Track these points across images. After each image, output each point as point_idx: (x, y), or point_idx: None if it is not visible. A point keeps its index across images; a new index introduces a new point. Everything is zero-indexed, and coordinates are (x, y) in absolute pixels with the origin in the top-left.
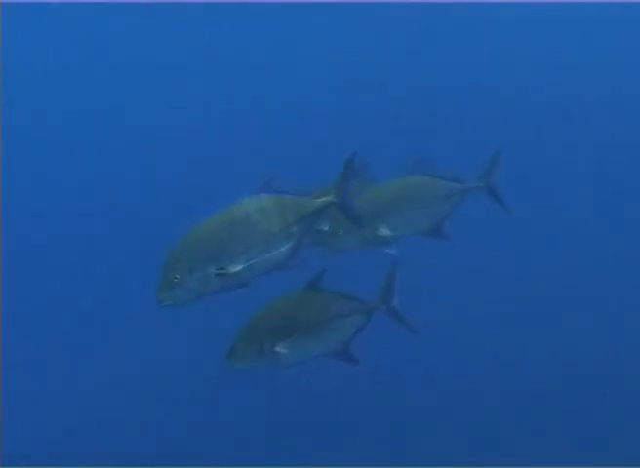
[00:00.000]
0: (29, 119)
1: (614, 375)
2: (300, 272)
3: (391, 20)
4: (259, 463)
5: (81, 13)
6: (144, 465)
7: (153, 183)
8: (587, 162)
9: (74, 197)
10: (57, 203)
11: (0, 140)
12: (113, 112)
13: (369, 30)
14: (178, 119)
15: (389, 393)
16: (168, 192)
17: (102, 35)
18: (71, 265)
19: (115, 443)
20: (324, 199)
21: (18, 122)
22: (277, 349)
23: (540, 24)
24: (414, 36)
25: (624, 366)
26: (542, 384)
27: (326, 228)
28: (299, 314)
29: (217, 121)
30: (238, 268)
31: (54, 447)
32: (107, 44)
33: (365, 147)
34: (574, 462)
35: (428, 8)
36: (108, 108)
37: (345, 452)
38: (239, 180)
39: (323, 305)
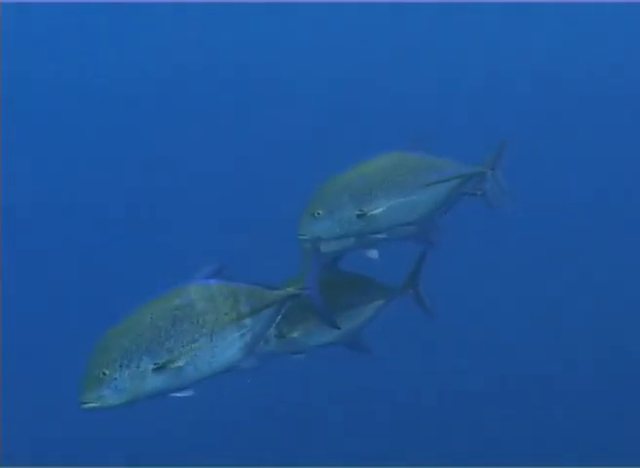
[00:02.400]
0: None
1: (617, 375)
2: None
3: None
4: (259, 463)
5: (81, 12)
6: (145, 465)
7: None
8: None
9: (73, 199)
10: (56, 204)
11: (0, 140)
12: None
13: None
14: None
15: (390, 392)
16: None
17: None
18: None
19: (116, 443)
20: (288, 290)
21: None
22: (292, 335)
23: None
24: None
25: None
26: (549, 384)
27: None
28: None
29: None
30: (180, 363)
31: (54, 447)
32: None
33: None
34: (574, 462)
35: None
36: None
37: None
38: None
39: (342, 289)
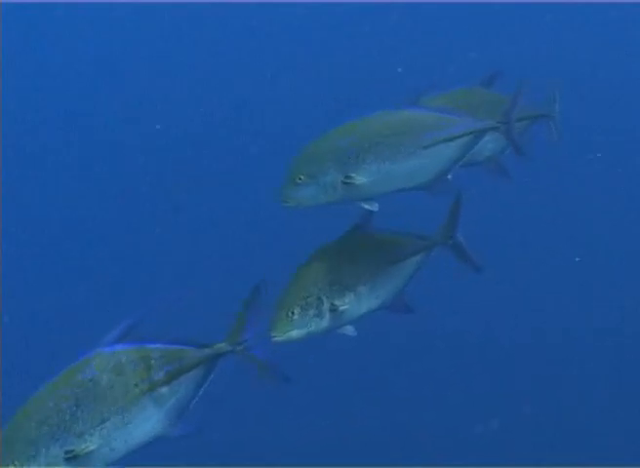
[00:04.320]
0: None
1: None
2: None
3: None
4: (261, 464)
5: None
6: (146, 465)
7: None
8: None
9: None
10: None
11: (0, 140)
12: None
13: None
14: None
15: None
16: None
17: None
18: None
19: None
20: (217, 347)
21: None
22: (339, 306)
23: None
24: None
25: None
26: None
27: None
28: (355, 260)
29: None
30: (92, 447)
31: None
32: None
33: None
34: (575, 462)
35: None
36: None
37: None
38: None
39: (381, 247)
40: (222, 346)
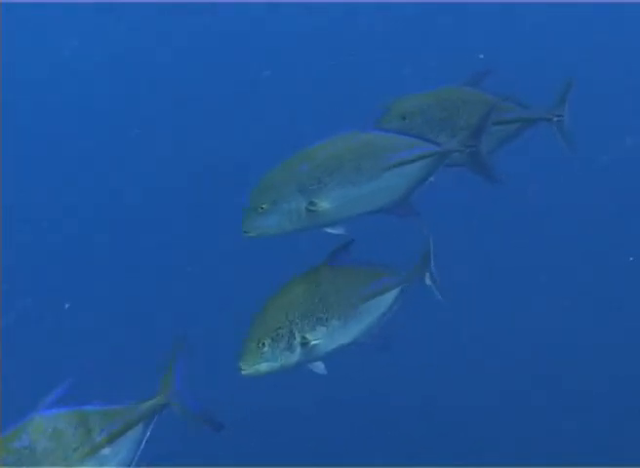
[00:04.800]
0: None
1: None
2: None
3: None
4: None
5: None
6: (147, 465)
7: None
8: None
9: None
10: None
11: (0, 141)
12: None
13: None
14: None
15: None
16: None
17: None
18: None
19: None
20: (151, 402)
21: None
22: (310, 340)
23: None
24: None
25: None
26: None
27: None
28: (330, 293)
29: None
30: None
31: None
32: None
33: None
34: (575, 462)
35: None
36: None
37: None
38: None
39: (356, 280)
40: (159, 399)
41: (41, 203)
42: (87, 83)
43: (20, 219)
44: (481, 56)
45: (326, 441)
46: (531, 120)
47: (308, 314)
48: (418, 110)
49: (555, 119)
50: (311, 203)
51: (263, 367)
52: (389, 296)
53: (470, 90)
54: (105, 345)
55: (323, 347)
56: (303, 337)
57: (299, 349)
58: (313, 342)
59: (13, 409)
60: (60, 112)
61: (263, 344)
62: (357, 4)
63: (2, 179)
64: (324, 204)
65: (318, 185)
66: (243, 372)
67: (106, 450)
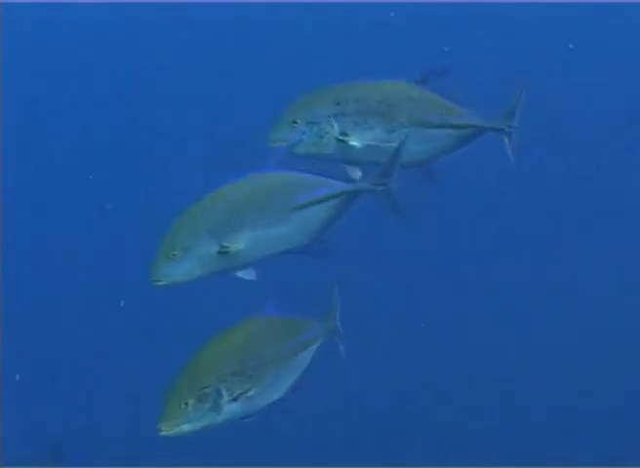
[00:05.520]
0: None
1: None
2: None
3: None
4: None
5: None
6: (147, 465)
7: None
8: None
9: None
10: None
11: (0, 140)
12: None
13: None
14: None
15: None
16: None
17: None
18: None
19: (117, 443)
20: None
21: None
22: (239, 398)
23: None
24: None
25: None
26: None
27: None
28: (260, 346)
29: None
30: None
31: (54, 446)
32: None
33: None
34: (575, 462)
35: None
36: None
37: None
38: None
39: (286, 331)
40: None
41: None
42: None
43: None
44: (446, 48)
45: (320, 442)
46: (482, 128)
47: (238, 371)
48: (353, 98)
49: (507, 129)
50: (223, 246)
51: (185, 428)
52: (315, 346)
53: (419, 87)
54: None
55: (252, 405)
56: (232, 395)
57: (225, 408)
58: (241, 400)
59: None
60: None
61: (187, 404)
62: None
63: None
64: (236, 246)
65: (229, 228)
66: (162, 433)
67: None
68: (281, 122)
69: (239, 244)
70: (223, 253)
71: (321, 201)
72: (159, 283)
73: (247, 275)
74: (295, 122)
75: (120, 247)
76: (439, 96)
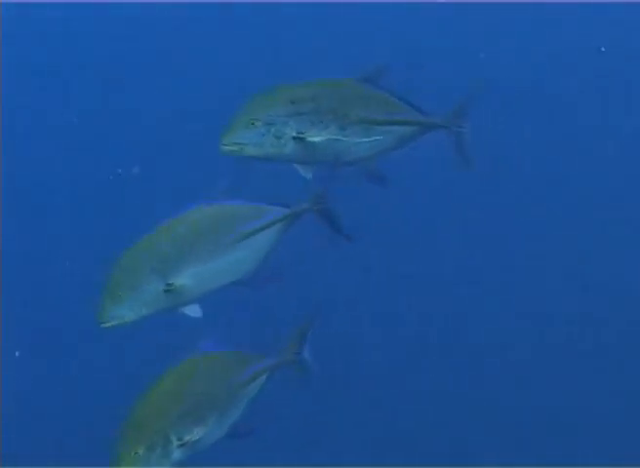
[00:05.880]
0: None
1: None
2: None
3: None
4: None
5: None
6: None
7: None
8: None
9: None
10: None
11: (0, 140)
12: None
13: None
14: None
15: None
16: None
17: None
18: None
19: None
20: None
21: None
22: (188, 441)
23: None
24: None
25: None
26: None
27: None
28: (206, 386)
29: None
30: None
31: (54, 447)
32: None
33: None
34: (574, 462)
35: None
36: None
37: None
38: None
39: (230, 367)
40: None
41: None
42: None
43: None
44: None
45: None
46: (427, 125)
47: (185, 414)
48: (308, 96)
49: (455, 129)
50: (168, 284)
51: None
52: (262, 380)
53: (365, 85)
54: None
55: (199, 445)
56: (180, 440)
57: (175, 452)
58: (190, 443)
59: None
60: None
61: (137, 453)
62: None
63: None
64: (180, 282)
65: (173, 264)
66: None
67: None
68: (236, 123)
69: (184, 280)
70: (169, 290)
71: (263, 228)
72: (106, 324)
73: (192, 312)
74: (252, 123)
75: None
76: (386, 93)
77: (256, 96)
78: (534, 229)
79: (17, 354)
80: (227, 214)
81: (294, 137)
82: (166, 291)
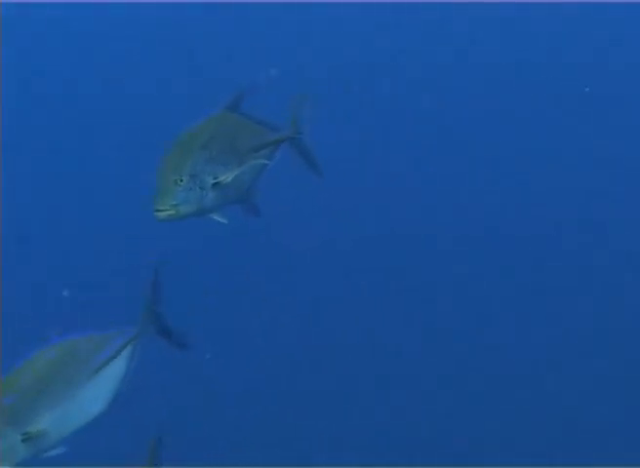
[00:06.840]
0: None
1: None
2: None
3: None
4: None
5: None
6: (142, 465)
7: None
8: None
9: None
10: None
11: (0, 140)
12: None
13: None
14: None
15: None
16: None
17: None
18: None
19: (115, 443)
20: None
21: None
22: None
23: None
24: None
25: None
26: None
27: None
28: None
29: None
30: None
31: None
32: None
33: None
34: (574, 462)
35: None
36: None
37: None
38: None
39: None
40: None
41: None
42: None
43: None
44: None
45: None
46: (277, 142)
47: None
48: (210, 137)
49: (296, 138)
50: (25, 433)
51: None
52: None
53: (236, 115)
54: None
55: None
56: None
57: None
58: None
59: None
60: None
61: None
62: None
63: None
64: (39, 429)
65: (29, 414)
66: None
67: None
68: (163, 186)
69: (43, 425)
70: (27, 439)
71: (114, 357)
72: None
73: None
74: (181, 179)
75: None
76: (248, 120)
77: (167, 149)
78: (534, 229)
79: None
80: (76, 349)
81: (213, 184)
82: (24, 441)
